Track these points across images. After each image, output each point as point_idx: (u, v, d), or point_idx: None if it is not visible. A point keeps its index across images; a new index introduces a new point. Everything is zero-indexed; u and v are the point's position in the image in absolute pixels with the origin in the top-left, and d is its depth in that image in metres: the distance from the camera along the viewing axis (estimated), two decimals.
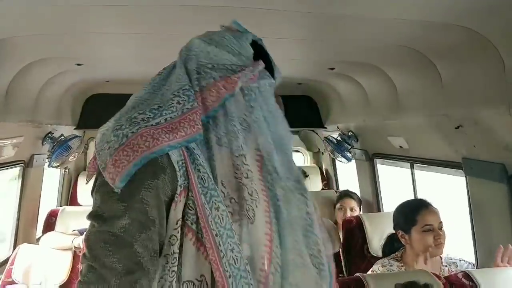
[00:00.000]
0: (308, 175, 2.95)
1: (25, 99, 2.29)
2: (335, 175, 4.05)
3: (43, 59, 2.06)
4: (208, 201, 0.84)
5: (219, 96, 0.91)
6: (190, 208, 0.84)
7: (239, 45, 0.97)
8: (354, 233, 2.34)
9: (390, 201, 3.06)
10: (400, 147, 2.57)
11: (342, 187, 3.98)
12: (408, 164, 2.63)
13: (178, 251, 0.83)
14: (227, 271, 0.82)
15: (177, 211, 0.84)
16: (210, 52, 0.94)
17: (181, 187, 0.84)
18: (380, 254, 2.28)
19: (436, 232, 1.90)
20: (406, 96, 2.23)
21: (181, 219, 0.84)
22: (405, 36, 1.71)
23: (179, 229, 0.84)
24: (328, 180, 4.14)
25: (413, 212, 1.97)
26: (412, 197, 2.67)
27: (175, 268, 0.82)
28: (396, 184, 3.26)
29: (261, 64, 0.96)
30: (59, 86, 2.66)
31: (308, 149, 4.35)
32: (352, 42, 1.95)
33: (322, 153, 4.21)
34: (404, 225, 1.99)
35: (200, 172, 0.86)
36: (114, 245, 0.78)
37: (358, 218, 2.40)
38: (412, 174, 2.63)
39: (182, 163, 0.85)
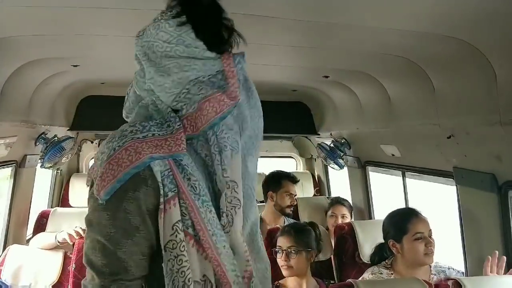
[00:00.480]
0: (298, 181, 2.96)
1: (20, 99, 2.28)
2: (327, 181, 4.07)
3: (38, 59, 2.06)
4: (202, 205, 0.91)
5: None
6: (184, 214, 0.90)
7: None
8: (345, 239, 2.36)
9: (382, 209, 3.08)
10: (392, 155, 2.60)
11: (334, 194, 4.01)
12: (400, 172, 2.66)
13: (183, 253, 0.88)
14: (226, 266, 0.90)
15: (168, 218, 0.89)
16: None
17: (167, 196, 0.89)
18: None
19: (427, 240, 1.92)
20: (399, 105, 2.26)
21: (178, 225, 0.89)
22: (398, 46, 1.74)
23: (177, 234, 0.89)
24: (320, 186, 4.16)
25: (404, 221, 1.99)
26: (403, 205, 2.69)
27: (184, 269, 0.88)
28: (388, 192, 3.29)
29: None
30: (54, 87, 2.65)
31: (301, 155, 4.37)
32: (346, 51, 1.98)
33: (315, 159, 4.23)
34: (395, 234, 2.01)
35: (190, 180, 0.91)
36: (101, 251, 0.86)
37: (349, 225, 2.42)
38: (404, 182, 2.65)
39: (169, 172, 0.91)
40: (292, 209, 2.87)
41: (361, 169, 3.15)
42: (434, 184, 2.47)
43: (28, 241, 2.84)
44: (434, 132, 1.98)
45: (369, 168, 3.09)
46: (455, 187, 2.03)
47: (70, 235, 2.27)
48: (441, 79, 1.83)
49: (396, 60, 1.88)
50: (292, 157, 4.53)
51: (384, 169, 2.90)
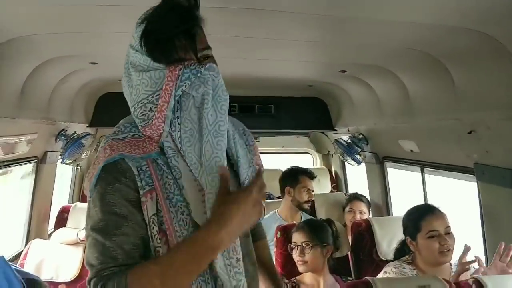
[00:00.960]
0: (315, 176, 2.94)
1: (40, 97, 2.32)
2: (345, 177, 4.04)
3: (58, 57, 2.09)
4: (174, 205, 0.95)
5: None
6: (159, 210, 0.95)
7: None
8: (363, 236, 2.33)
9: (400, 205, 3.04)
10: (411, 151, 2.55)
11: (351, 190, 3.98)
12: (419, 168, 2.61)
13: (159, 245, 0.93)
14: None
15: (147, 211, 0.94)
16: None
17: (144, 189, 0.94)
18: (389, 258, 2.27)
19: (441, 238, 1.87)
20: (418, 100, 2.22)
21: (154, 218, 0.94)
22: (417, 39, 1.70)
23: (154, 226, 0.94)
24: (337, 182, 4.13)
25: (418, 218, 1.96)
26: (422, 202, 2.65)
27: None
28: (407, 188, 3.24)
29: None
30: (72, 84, 2.69)
31: (318, 151, 4.34)
32: (364, 45, 1.95)
33: (332, 155, 4.20)
34: (410, 231, 1.99)
35: (167, 178, 0.96)
36: (94, 246, 0.91)
37: (367, 222, 2.39)
38: (423, 178, 2.61)
39: (146, 167, 0.95)
40: (309, 204, 2.86)
41: (379, 165, 3.11)
42: (455, 180, 2.42)
43: (49, 235, 2.91)
44: (454, 127, 1.94)
45: (387, 164, 3.05)
46: (476, 183, 1.98)
47: None
48: (461, 73, 1.78)
49: (415, 53, 1.84)
50: (309, 153, 4.51)
51: (402, 165, 2.86)
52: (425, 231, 1.90)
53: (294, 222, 2.53)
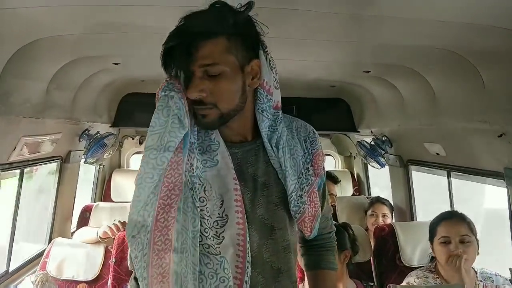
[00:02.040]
0: (339, 181, 2.88)
1: (64, 97, 2.36)
2: (367, 180, 3.96)
3: (81, 58, 2.11)
4: None
5: None
6: None
7: None
8: (386, 241, 2.27)
9: (425, 210, 2.96)
10: (437, 154, 2.47)
11: (373, 193, 3.90)
12: (445, 172, 2.53)
13: None
14: None
15: None
16: None
17: None
18: (413, 264, 2.21)
19: (452, 245, 1.83)
20: (445, 101, 2.15)
21: None
22: (445, 38, 1.64)
23: None
24: (360, 185, 4.05)
25: (436, 223, 1.96)
26: (448, 207, 2.57)
27: None
28: (432, 192, 3.15)
29: None
30: (96, 84, 2.73)
31: (340, 153, 4.26)
32: (389, 45, 1.89)
33: (354, 157, 4.13)
34: (429, 236, 1.98)
35: None
36: None
37: (390, 226, 2.33)
38: (449, 182, 2.52)
39: None
40: (331, 210, 2.80)
41: (403, 168, 3.03)
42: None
43: (72, 233, 2.96)
44: (483, 130, 1.86)
45: (412, 167, 2.97)
46: (505, 188, 1.90)
47: (110, 228, 2.33)
48: (491, 74, 1.71)
49: (442, 53, 1.78)
50: (330, 155, 4.44)
51: (427, 168, 2.78)
52: (438, 236, 1.89)
53: None
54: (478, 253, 1.85)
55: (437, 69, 2.08)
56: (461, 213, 1.94)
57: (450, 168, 2.47)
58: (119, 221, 2.34)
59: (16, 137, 2.03)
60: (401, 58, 2.09)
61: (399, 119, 2.69)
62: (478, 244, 1.86)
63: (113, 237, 2.33)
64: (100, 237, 2.35)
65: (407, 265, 2.20)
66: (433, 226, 1.94)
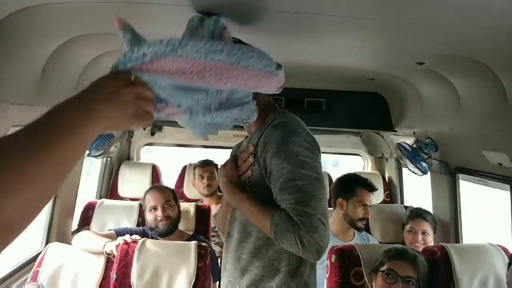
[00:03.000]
0: (376, 189, 2.52)
1: (64, 81, 2.04)
2: (401, 186, 3.57)
3: (86, 35, 1.77)
4: None
5: None
6: None
7: None
8: (438, 268, 1.89)
9: (474, 229, 2.58)
10: (500, 164, 2.08)
11: (407, 201, 3.52)
12: (508, 186, 2.14)
13: None
14: None
15: None
16: None
17: None
18: None
19: None
20: None
21: None
22: None
23: None
24: (391, 190, 3.66)
25: None
26: (509, 226, 2.19)
27: None
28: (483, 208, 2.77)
29: None
30: (104, 68, 2.38)
31: (370, 153, 3.87)
32: (452, 30, 1.49)
33: (387, 159, 3.73)
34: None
35: None
36: None
37: (442, 249, 1.95)
38: None
39: None
40: (364, 222, 2.43)
41: (448, 176, 2.64)
42: None
43: (73, 233, 2.66)
44: None
45: (460, 176, 2.58)
46: None
47: (122, 246, 1.99)
48: None
49: None
50: (359, 155, 4.06)
51: (482, 179, 2.38)
52: None
53: (351, 243, 2.13)
54: None
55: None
56: None
57: None
58: (131, 238, 1.99)
59: (3, 127, 1.71)
60: (466, 48, 1.70)
61: (452, 121, 2.30)
62: None
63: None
64: (106, 252, 2.01)
65: None
66: None
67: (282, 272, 1.30)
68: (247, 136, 1.50)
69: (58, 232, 2.52)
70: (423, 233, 2.58)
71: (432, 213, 2.75)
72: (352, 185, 2.43)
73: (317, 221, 1.17)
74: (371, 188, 2.44)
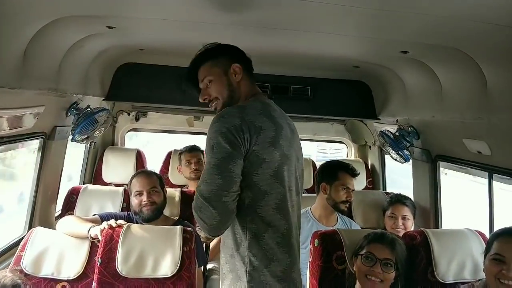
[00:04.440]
0: (358, 174, 2.57)
1: (47, 64, 2.01)
2: (383, 173, 3.63)
3: (69, 17, 1.75)
4: None
5: None
6: None
7: None
8: (417, 251, 1.95)
9: (451, 214, 2.66)
10: (479, 152, 2.14)
11: (389, 188, 3.59)
12: (486, 174, 2.20)
13: None
14: None
15: None
16: None
17: None
18: (447, 280, 1.91)
19: (507, 266, 1.59)
20: (499, 93, 1.80)
21: None
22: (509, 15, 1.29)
23: None
24: (374, 177, 3.73)
25: (492, 238, 1.74)
26: (486, 212, 2.26)
27: None
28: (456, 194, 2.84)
29: None
30: (87, 51, 2.36)
31: (354, 141, 3.91)
32: (436, 20, 1.53)
33: (370, 146, 3.79)
34: (485, 249, 1.75)
35: None
36: None
37: (422, 233, 2.00)
38: (490, 185, 2.20)
39: None
40: (347, 205, 2.48)
41: (429, 164, 2.70)
42: None
43: (56, 218, 2.64)
44: None
45: (441, 163, 2.64)
46: None
47: (106, 230, 1.98)
48: None
49: (503, 34, 1.43)
50: (343, 143, 4.10)
51: (461, 166, 2.45)
52: (492, 252, 1.66)
53: (334, 228, 2.18)
54: None
55: (492, 53, 1.73)
56: None
57: (493, 170, 2.14)
58: (116, 222, 1.98)
59: None
60: (450, 37, 1.74)
61: (434, 110, 2.35)
62: None
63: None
64: (91, 236, 2.00)
65: (441, 280, 1.91)
66: (491, 239, 1.71)
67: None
68: None
69: (41, 217, 2.49)
70: (403, 218, 2.64)
71: (412, 199, 2.81)
72: (335, 169, 2.48)
73: (201, 202, 1.37)
74: (353, 173, 2.49)
